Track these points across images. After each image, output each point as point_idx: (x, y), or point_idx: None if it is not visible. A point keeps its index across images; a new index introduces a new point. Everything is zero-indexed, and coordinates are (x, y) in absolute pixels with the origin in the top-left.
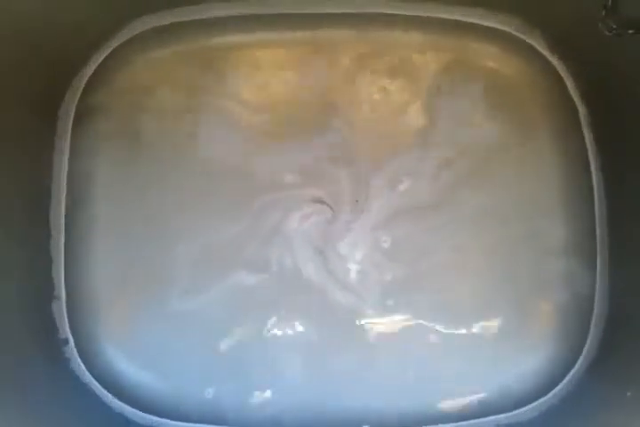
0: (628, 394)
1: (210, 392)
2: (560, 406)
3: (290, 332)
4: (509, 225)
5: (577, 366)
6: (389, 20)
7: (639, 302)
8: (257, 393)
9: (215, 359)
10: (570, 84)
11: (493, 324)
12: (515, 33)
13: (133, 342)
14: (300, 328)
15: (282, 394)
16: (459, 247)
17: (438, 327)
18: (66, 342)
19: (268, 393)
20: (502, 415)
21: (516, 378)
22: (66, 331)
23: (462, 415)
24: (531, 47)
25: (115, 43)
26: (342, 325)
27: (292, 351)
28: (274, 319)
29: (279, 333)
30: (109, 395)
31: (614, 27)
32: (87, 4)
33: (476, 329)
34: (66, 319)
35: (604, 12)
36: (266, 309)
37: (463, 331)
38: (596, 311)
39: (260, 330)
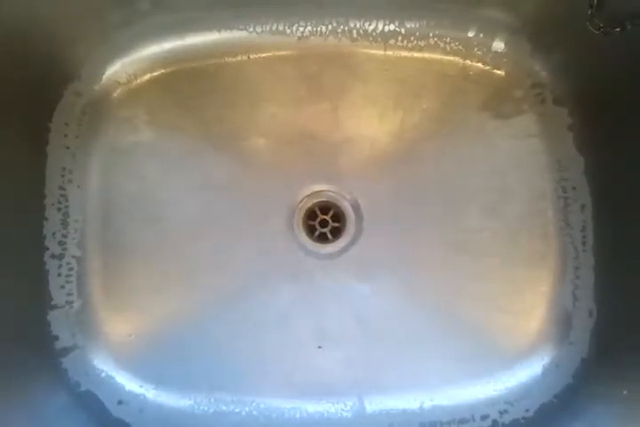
0: (625, 392)
1: (212, 400)
2: (556, 405)
3: None
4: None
5: (572, 365)
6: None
7: (631, 301)
8: None
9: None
10: (555, 85)
11: (488, 320)
12: (500, 35)
13: (131, 350)
14: None
15: None
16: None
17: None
18: (64, 352)
19: None
20: (498, 414)
21: (511, 378)
22: (63, 341)
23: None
24: (517, 49)
25: (105, 55)
26: None
27: None
28: None
29: None
30: (108, 403)
31: (601, 25)
32: (73, 18)
33: (468, 327)
34: (64, 330)
35: (590, 11)
36: None
37: (459, 327)
38: (590, 311)
39: None
